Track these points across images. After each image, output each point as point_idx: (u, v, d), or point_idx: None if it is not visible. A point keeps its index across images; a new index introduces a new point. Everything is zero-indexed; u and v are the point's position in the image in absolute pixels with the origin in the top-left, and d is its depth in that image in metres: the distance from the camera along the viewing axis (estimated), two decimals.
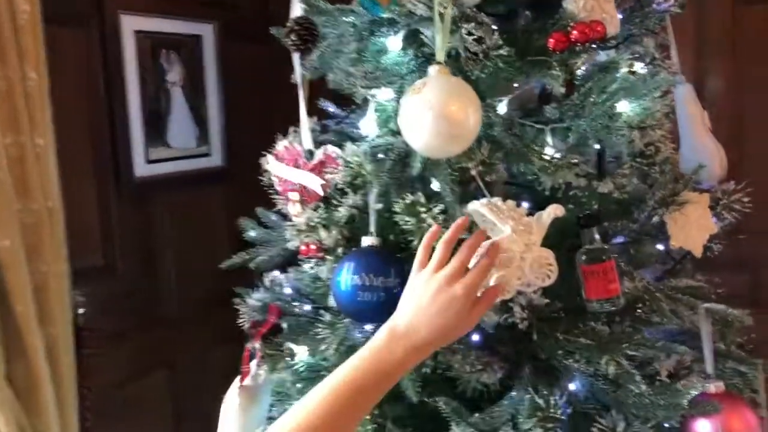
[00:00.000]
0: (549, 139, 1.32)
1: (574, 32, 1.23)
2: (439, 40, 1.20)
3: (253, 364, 1.42)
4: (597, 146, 1.31)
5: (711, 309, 1.28)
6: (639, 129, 1.26)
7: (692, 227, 1.37)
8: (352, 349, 1.32)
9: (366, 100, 1.52)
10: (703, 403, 1.23)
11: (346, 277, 1.22)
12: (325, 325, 1.34)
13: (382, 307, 1.22)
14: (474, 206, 1.21)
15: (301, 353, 1.48)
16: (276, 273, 1.54)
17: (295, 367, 1.42)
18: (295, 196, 1.39)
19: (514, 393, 1.30)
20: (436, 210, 1.20)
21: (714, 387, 1.27)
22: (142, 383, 2.46)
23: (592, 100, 1.29)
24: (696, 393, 1.23)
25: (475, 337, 1.28)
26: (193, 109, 2.55)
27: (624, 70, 1.37)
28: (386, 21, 1.46)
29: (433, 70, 1.18)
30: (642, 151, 1.30)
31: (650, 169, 1.32)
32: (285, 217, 1.70)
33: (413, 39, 1.45)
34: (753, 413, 1.26)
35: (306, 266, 1.41)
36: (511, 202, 1.22)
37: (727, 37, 2.43)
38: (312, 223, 1.32)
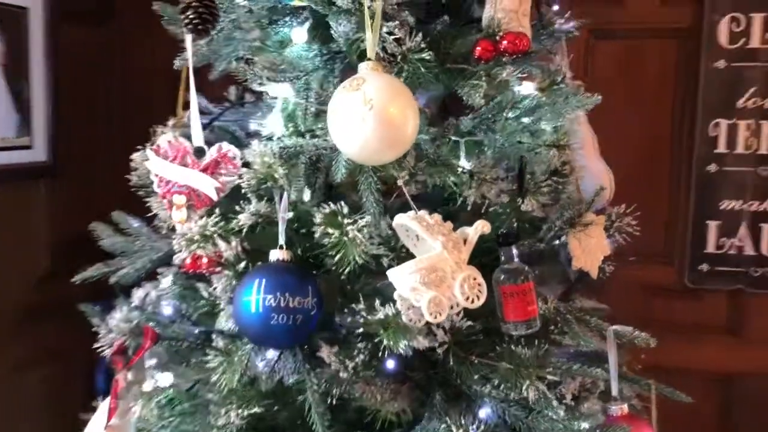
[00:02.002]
0: (462, 153, 1.26)
1: (504, 42, 1.18)
2: (369, 36, 1.09)
3: (123, 397, 1.19)
4: (506, 162, 1.27)
5: (618, 331, 1.28)
6: (557, 147, 1.23)
7: (593, 249, 1.37)
8: (253, 381, 1.15)
9: (260, 95, 1.36)
10: (612, 427, 1.23)
11: (257, 297, 1.05)
12: (217, 351, 1.15)
13: (298, 331, 1.07)
14: (402, 220, 1.10)
15: (171, 383, 1.28)
16: (149, 289, 1.31)
17: (173, 401, 1.21)
18: (180, 199, 1.19)
19: (424, 422, 1.21)
20: (362, 222, 1.07)
21: (619, 409, 1.27)
22: None
23: (505, 114, 1.24)
24: (604, 416, 1.22)
25: (390, 364, 1.17)
26: (13, 94, 2.18)
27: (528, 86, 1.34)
28: (289, 10, 1.32)
29: (365, 66, 1.06)
30: (557, 170, 1.28)
31: (564, 188, 1.29)
32: (150, 223, 1.47)
33: (318, 32, 1.32)
34: None
35: (200, 284, 1.20)
36: (437, 216, 1.13)
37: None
38: (207, 233, 1.12)
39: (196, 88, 1.45)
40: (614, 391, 1.29)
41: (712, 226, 2.33)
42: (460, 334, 1.17)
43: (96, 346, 1.31)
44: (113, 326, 1.27)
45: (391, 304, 1.09)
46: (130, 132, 2.68)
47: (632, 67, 2.36)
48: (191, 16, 1.13)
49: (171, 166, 1.19)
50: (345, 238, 1.06)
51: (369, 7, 1.11)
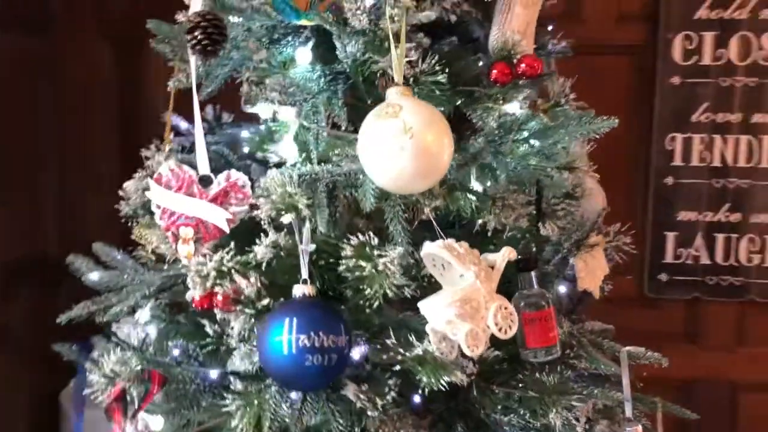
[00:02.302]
0: (473, 176, 1.23)
1: (522, 65, 1.16)
2: (395, 59, 1.04)
3: None
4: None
5: (631, 352, 1.28)
6: (569, 170, 1.23)
7: (595, 269, 1.38)
8: (272, 424, 1.08)
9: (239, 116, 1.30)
10: None
11: (289, 337, 0.98)
12: (234, 395, 1.07)
13: (332, 372, 1.01)
14: (432, 249, 1.06)
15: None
16: (148, 327, 1.22)
17: None
18: (187, 232, 1.11)
19: None
20: (393, 254, 1.02)
21: (634, 430, 1.27)
22: None
23: (511, 137, 1.23)
24: None
25: (417, 399, 1.12)
26: None
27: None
28: (290, 29, 1.26)
29: (396, 92, 1.02)
30: (568, 193, 1.27)
31: (575, 211, 1.29)
32: (131, 254, 1.38)
33: (319, 52, 1.27)
34: None
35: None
36: (465, 245, 1.10)
37: None
38: (224, 268, 1.05)
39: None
40: (628, 412, 1.29)
41: (670, 236, 2.40)
42: (486, 364, 1.14)
43: (88, 392, 1.20)
44: (108, 371, 1.16)
45: (426, 339, 1.05)
46: (65, 148, 2.52)
47: (590, 82, 2.41)
48: (199, 37, 1.05)
49: (176, 196, 1.11)
50: (374, 270, 1.01)
51: (391, 28, 1.07)
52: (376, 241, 1.03)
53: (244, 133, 1.44)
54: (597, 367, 1.24)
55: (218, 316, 1.21)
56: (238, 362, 1.10)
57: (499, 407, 1.16)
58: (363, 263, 1.00)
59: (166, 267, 1.32)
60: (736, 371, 2.47)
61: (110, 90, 2.63)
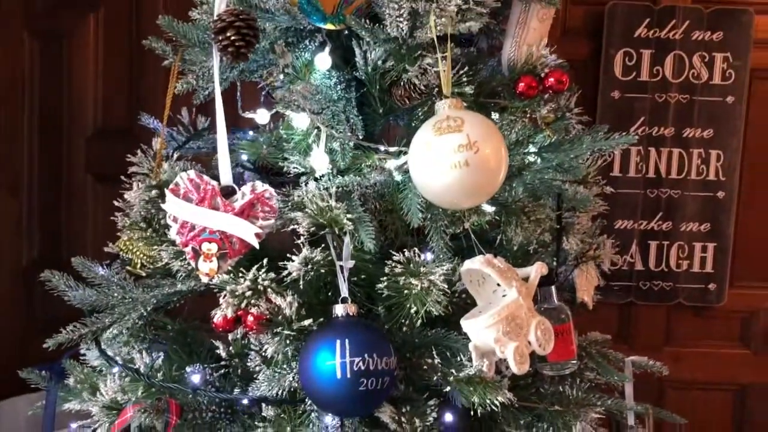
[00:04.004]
0: None
1: (551, 79, 1.16)
2: (443, 70, 1.01)
3: None
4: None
5: (635, 362, 1.32)
6: (583, 183, 1.24)
7: (592, 281, 1.41)
8: None
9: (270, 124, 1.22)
10: None
11: (342, 360, 0.92)
12: (266, 422, 1.00)
13: (382, 395, 0.96)
14: (474, 264, 1.04)
15: None
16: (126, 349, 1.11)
17: None
18: (211, 248, 1.02)
19: None
20: (441, 270, 0.99)
21: None
22: None
23: (524, 150, 1.23)
24: None
25: (449, 417, 1.10)
26: None
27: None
28: (306, 32, 1.20)
29: (447, 105, 0.99)
30: (573, 207, 1.29)
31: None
32: (113, 262, 1.27)
33: (334, 58, 1.22)
34: None
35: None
36: (502, 260, 1.08)
37: None
38: (260, 287, 0.97)
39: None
40: (631, 420, 1.33)
41: (608, 244, 2.50)
42: (516, 380, 1.14)
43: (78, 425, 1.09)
44: (109, 401, 1.05)
45: (467, 358, 1.02)
46: None
47: None
48: (233, 38, 0.97)
49: (199, 209, 1.02)
50: (421, 287, 0.98)
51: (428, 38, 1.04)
52: (422, 257, 0.99)
53: (237, 140, 1.35)
54: (609, 378, 1.26)
55: (230, 337, 1.13)
56: (265, 386, 1.02)
57: (522, 422, 1.16)
58: (414, 281, 0.97)
59: (154, 284, 1.21)
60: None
61: (33, 85, 2.43)
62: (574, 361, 1.20)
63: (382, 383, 0.94)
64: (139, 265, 1.23)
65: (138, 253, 1.22)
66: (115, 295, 1.17)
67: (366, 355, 0.93)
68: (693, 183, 2.48)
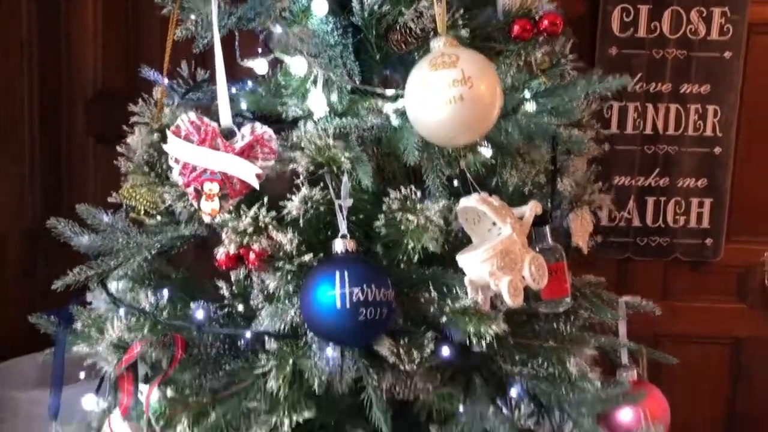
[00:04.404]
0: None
1: (545, 22, 1.18)
2: (438, 10, 1.03)
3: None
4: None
5: (628, 302, 1.35)
6: (578, 127, 1.26)
7: (587, 225, 1.43)
8: (302, 384, 1.06)
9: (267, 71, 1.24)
10: (631, 394, 1.30)
11: (342, 291, 0.95)
12: (270, 355, 1.03)
13: (381, 326, 1.00)
14: (470, 202, 1.07)
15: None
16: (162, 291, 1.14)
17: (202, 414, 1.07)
18: (213, 188, 1.04)
19: (469, 406, 1.19)
20: (437, 207, 1.02)
21: (630, 376, 1.35)
22: None
23: (521, 95, 1.25)
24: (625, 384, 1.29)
25: (446, 351, 1.13)
26: None
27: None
28: None
29: (442, 42, 1.00)
30: (569, 149, 1.31)
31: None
32: (116, 212, 1.30)
33: (337, 3, 1.23)
34: (664, 397, 1.37)
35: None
36: (497, 198, 1.11)
37: None
38: (261, 224, 1.00)
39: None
40: (624, 359, 1.36)
41: (606, 200, 2.52)
42: (512, 317, 1.17)
43: (90, 362, 1.12)
44: (116, 339, 1.09)
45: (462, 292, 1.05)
46: None
47: None
48: None
49: (201, 150, 1.04)
50: (418, 224, 1.01)
51: None
52: (418, 194, 1.02)
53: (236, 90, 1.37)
54: (603, 317, 1.30)
55: (233, 278, 1.16)
56: (268, 321, 1.05)
57: (518, 358, 1.19)
58: (410, 216, 0.99)
59: (158, 229, 1.24)
60: (660, 324, 2.65)
61: (32, 48, 2.44)
62: (568, 300, 1.23)
63: (380, 314, 0.97)
64: (142, 212, 1.26)
65: (141, 199, 1.25)
66: (120, 240, 1.20)
67: (365, 286, 0.96)
68: (690, 139, 2.49)
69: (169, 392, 1.02)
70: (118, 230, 1.24)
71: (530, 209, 1.13)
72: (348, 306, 0.95)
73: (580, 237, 1.41)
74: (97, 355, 1.15)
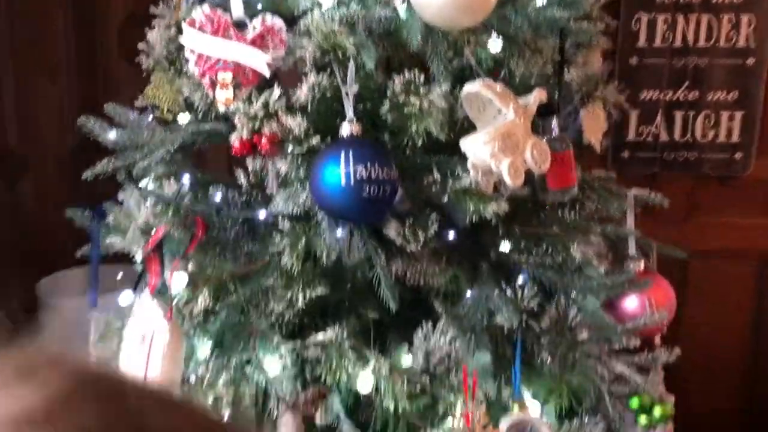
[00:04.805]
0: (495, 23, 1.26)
1: None
2: None
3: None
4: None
5: (636, 195, 1.38)
6: (588, 19, 1.27)
7: (600, 122, 1.45)
8: (316, 262, 1.13)
9: None
10: (637, 281, 1.34)
11: (346, 169, 1.01)
12: (283, 234, 1.11)
13: (385, 204, 1.05)
14: (473, 88, 1.10)
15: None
16: (183, 180, 1.22)
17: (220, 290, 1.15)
18: (226, 77, 1.10)
19: (475, 290, 1.25)
20: (438, 91, 1.06)
21: (638, 265, 1.39)
22: None
23: None
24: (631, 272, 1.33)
25: (451, 235, 1.19)
26: None
27: None
28: None
29: None
30: (580, 43, 1.32)
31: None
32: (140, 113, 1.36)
33: None
34: (670, 287, 1.41)
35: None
36: (502, 84, 1.14)
37: None
38: (271, 109, 1.06)
39: None
40: (632, 250, 1.40)
41: (633, 115, 2.51)
42: (510, 204, 1.21)
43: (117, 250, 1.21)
44: (142, 223, 1.17)
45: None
46: (14, 31, 2.40)
47: None
48: None
49: (214, 40, 1.09)
50: (420, 107, 1.05)
51: None
52: (422, 78, 1.06)
53: None
54: (608, 208, 1.33)
55: (250, 168, 1.23)
56: (282, 204, 1.12)
57: (522, 245, 1.24)
58: (412, 99, 1.03)
59: (180, 126, 1.31)
60: (687, 241, 2.66)
61: None
62: (574, 189, 1.27)
63: (383, 191, 1.03)
64: (165, 110, 1.32)
65: (164, 98, 1.31)
66: (145, 135, 1.27)
67: (368, 164, 1.01)
68: (722, 50, 2.44)
69: (190, 267, 1.10)
70: (144, 128, 1.31)
71: (534, 96, 1.16)
72: (352, 183, 1.01)
73: (592, 133, 1.43)
74: (127, 243, 1.24)
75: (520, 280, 1.29)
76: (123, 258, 1.33)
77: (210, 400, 1.07)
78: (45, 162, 2.56)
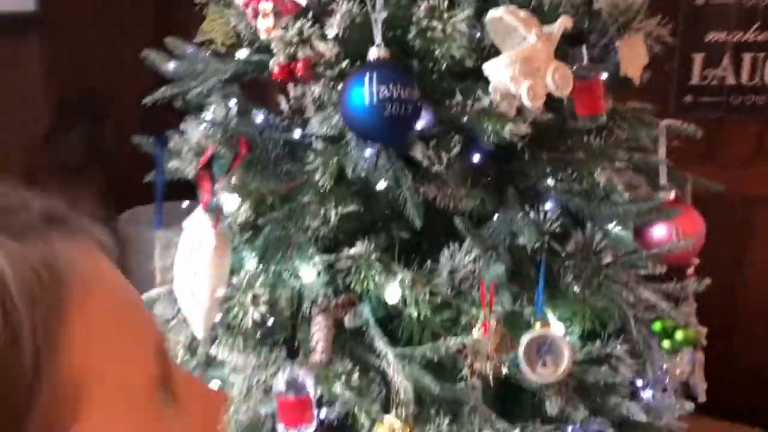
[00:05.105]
0: None
1: None
2: None
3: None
4: None
5: (669, 126, 1.39)
6: None
7: (639, 54, 1.46)
8: (347, 182, 1.22)
9: None
10: (665, 209, 1.36)
11: (370, 89, 1.09)
12: (317, 153, 1.20)
13: (408, 122, 1.13)
14: (497, 13, 1.15)
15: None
16: (229, 102, 1.33)
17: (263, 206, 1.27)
18: (267, 6, 1.19)
19: (500, 213, 1.31)
20: (461, 15, 1.12)
21: (668, 195, 1.41)
22: None
23: None
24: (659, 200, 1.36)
25: (476, 158, 1.25)
26: None
27: None
28: None
29: None
30: None
31: None
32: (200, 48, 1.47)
33: None
34: (700, 217, 1.43)
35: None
36: (526, 11, 1.18)
37: None
38: (304, 36, 1.14)
39: None
40: (663, 180, 1.42)
41: (698, 58, 2.46)
42: (537, 129, 1.25)
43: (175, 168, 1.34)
44: (194, 144, 1.29)
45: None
46: None
47: None
48: None
49: None
50: (444, 31, 1.11)
51: None
52: (445, 4, 1.12)
53: None
54: (637, 136, 1.35)
55: (291, 94, 1.32)
56: (317, 126, 1.22)
57: (548, 170, 1.29)
58: (435, 23, 1.10)
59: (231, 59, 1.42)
60: (751, 187, 2.60)
61: None
62: (602, 118, 1.30)
63: (405, 109, 1.10)
64: (220, 43, 1.44)
65: (218, 31, 1.42)
66: (199, 66, 1.38)
67: (391, 85, 1.09)
68: None
69: (234, 180, 1.22)
70: (199, 60, 1.43)
71: (559, 23, 1.19)
72: (375, 102, 1.09)
73: (629, 65, 1.44)
74: (183, 164, 1.37)
75: (547, 205, 1.35)
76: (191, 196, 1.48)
77: (249, 298, 1.19)
78: (126, 102, 2.76)
